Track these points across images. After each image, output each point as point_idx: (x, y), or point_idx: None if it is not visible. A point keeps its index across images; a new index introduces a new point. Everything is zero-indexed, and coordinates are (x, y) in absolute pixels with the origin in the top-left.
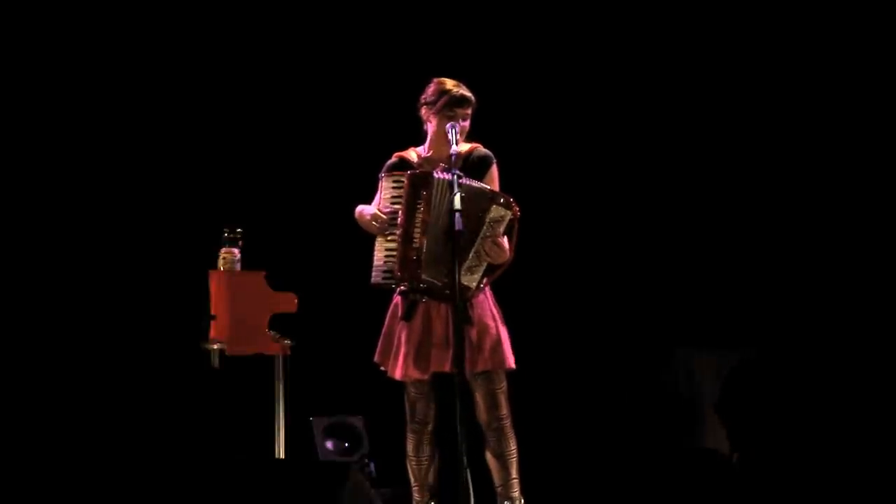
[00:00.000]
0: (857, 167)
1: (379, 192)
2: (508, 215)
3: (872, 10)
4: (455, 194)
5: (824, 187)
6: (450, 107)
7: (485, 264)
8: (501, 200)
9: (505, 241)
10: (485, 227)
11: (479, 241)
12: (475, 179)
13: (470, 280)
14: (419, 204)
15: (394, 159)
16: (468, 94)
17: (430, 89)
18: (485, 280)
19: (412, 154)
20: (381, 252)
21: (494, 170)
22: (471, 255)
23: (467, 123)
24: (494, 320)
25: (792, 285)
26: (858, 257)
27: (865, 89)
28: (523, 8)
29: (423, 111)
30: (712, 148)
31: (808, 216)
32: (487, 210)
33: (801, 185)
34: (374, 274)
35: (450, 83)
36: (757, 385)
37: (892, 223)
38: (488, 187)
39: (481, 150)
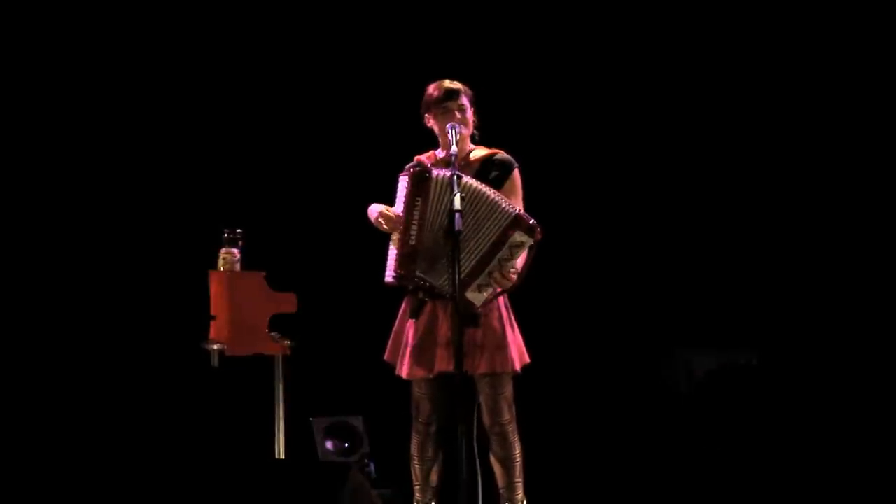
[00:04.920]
0: (858, 168)
1: (397, 193)
2: (530, 242)
3: (872, 10)
4: (455, 194)
5: (824, 189)
6: (440, 103)
7: (492, 286)
8: (526, 226)
9: (519, 262)
10: (504, 250)
11: (495, 261)
12: (496, 185)
13: (476, 297)
14: (417, 201)
15: (413, 161)
16: (454, 85)
17: (424, 95)
18: (497, 290)
19: (431, 157)
20: (393, 250)
21: (516, 175)
22: (484, 274)
23: (470, 114)
24: (501, 322)
25: (792, 286)
26: (858, 259)
27: (865, 89)
28: (531, 15)
29: (426, 118)
30: (712, 149)
31: (808, 217)
32: (511, 234)
33: (801, 187)
34: (387, 273)
35: (437, 82)
36: (753, 386)
37: (891, 225)
38: (509, 205)
39: (502, 155)
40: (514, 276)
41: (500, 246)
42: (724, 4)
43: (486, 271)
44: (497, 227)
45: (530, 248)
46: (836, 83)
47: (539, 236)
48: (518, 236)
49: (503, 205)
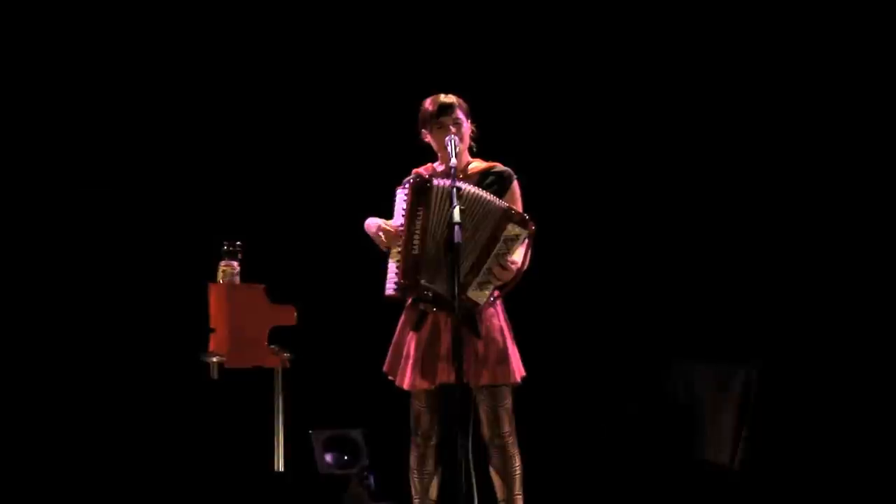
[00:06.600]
0: (857, 179)
1: (395, 206)
2: (524, 234)
3: (872, 10)
4: (454, 207)
5: (824, 199)
6: (435, 118)
7: (494, 282)
8: (517, 218)
9: (517, 255)
10: (499, 245)
11: (492, 257)
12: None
13: (478, 296)
14: (419, 210)
15: (411, 175)
16: (448, 99)
17: (420, 110)
18: (495, 293)
19: (428, 169)
20: (393, 264)
21: (516, 187)
22: (482, 271)
23: (466, 126)
24: (503, 334)
25: (792, 297)
26: (859, 269)
27: (865, 93)
28: (527, 25)
29: (423, 133)
30: (710, 161)
31: (808, 228)
32: (503, 228)
33: (801, 197)
34: (387, 286)
35: (432, 96)
36: (752, 396)
37: (892, 235)
38: (501, 203)
39: (500, 167)
40: (514, 268)
41: (495, 241)
42: (720, 5)
43: (485, 268)
44: (491, 224)
45: (529, 242)
46: (834, 89)
47: (532, 228)
48: (511, 228)
49: (496, 203)
